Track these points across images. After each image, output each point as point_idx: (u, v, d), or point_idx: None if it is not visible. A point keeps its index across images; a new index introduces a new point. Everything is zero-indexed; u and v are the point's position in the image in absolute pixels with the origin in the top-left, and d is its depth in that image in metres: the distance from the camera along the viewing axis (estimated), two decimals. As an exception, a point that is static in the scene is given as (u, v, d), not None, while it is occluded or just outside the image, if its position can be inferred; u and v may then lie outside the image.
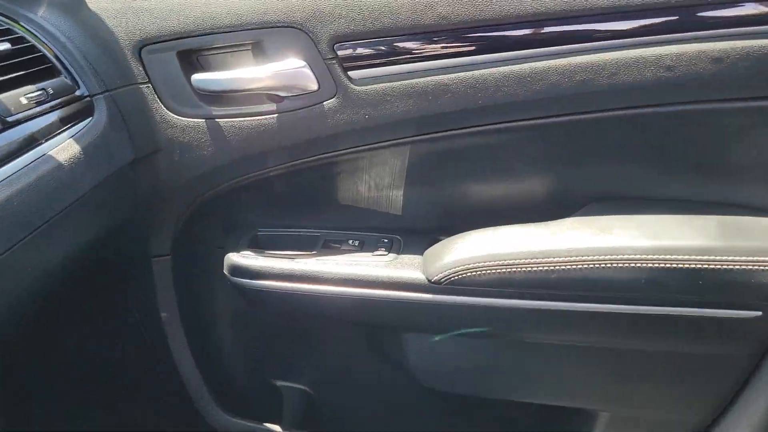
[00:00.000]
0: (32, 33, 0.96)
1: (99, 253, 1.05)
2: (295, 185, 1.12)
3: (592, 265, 0.89)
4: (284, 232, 1.17)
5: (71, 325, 1.15)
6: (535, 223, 0.98)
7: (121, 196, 1.04)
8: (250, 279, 1.09)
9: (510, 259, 0.92)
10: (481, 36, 0.92)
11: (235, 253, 1.11)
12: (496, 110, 0.94)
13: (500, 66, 0.91)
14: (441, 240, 1.05)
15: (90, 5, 1.01)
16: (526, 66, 0.90)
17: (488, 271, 0.93)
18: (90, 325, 1.21)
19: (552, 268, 0.90)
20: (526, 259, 0.91)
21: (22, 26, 0.96)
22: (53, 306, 1.06)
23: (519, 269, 0.92)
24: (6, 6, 0.98)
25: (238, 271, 1.10)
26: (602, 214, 0.97)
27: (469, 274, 0.94)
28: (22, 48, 0.91)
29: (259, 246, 1.14)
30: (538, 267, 0.91)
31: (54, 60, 0.95)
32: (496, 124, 0.97)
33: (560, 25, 0.89)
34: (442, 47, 0.93)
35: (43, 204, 0.81)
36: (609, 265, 0.88)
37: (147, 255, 1.18)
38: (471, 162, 1.04)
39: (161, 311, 1.23)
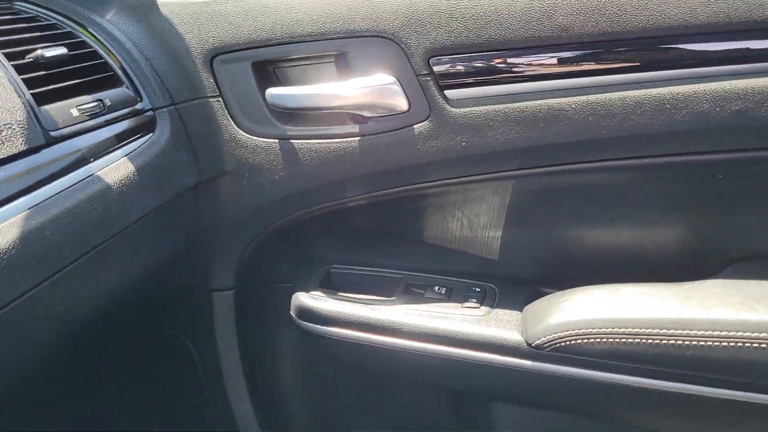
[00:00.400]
0: (96, 38, 0.91)
1: (154, 283, 1.02)
2: (375, 218, 1.06)
3: (741, 344, 0.77)
4: (360, 270, 1.10)
5: (118, 356, 1.13)
6: (666, 284, 0.88)
7: (181, 224, 0.99)
8: (320, 324, 1.02)
9: (633, 327, 0.82)
10: (609, 53, 0.82)
11: (303, 293, 1.05)
12: (624, 143, 0.85)
13: (632, 89, 0.82)
14: (545, 294, 0.97)
15: (162, 9, 0.96)
16: (665, 90, 0.80)
17: (604, 340, 0.83)
18: (141, 358, 1.19)
19: (687, 342, 0.79)
20: (653, 328, 0.81)
21: (87, 31, 0.91)
22: (100, 336, 1.03)
23: (644, 340, 0.81)
24: (72, 8, 0.93)
25: (306, 313, 1.03)
26: (753, 278, 0.86)
27: (580, 340, 0.84)
28: (83, 54, 0.86)
29: (331, 285, 1.08)
30: (668, 340, 0.80)
31: (117, 68, 0.90)
32: (621, 159, 0.88)
33: (712, 41, 0.78)
34: (560, 65, 0.84)
35: (85, 231, 0.74)
36: (765, 346, 0.76)
37: (208, 288, 1.13)
38: (587, 203, 0.96)
39: (220, 350, 1.18)
